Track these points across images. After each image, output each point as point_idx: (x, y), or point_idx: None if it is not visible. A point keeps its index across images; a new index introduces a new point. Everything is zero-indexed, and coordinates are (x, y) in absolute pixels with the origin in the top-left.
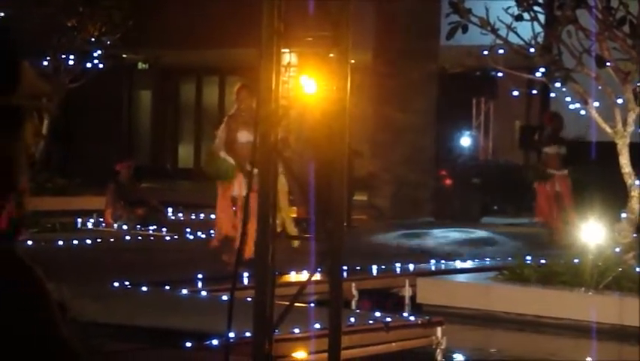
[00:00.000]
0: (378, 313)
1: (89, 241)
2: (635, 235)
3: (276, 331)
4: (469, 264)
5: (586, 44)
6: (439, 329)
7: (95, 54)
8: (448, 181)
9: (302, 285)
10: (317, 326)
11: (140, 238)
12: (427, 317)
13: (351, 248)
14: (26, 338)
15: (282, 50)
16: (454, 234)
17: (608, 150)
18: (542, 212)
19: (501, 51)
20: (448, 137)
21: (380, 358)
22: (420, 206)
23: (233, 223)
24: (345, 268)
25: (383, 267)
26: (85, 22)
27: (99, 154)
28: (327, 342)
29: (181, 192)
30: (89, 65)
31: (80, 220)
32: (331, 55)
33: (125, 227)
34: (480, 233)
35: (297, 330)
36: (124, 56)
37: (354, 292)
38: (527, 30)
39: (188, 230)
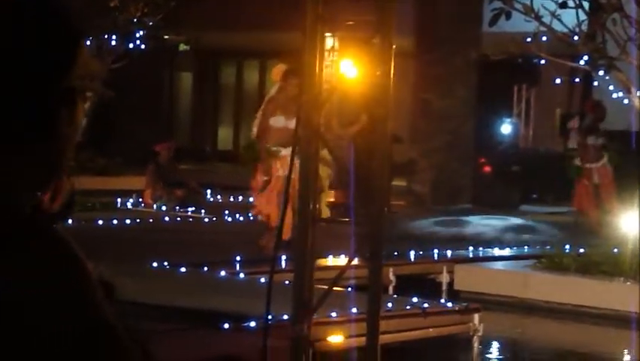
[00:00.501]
0: (415, 299)
1: (128, 221)
2: None
3: (315, 315)
4: (507, 251)
5: (630, 32)
6: (476, 316)
7: (137, 35)
8: (488, 168)
9: (341, 269)
10: (354, 310)
11: (178, 219)
12: (465, 304)
13: (389, 234)
14: (75, 336)
15: (325, 35)
16: (492, 221)
17: None
18: (580, 203)
19: (544, 38)
20: (488, 124)
21: (417, 344)
22: (459, 193)
23: (267, 199)
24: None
25: (421, 253)
26: (127, 3)
27: (140, 135)
28: (364, 327)
29: (220, 175)
30: (130, 45)
31: (119, 200)
32: (374, 40)
33: (164, 208)
34: (518, 221)
35: (334, 314)
36: (166, 37)
37: (392, 277)
38: (571, 17)
39: (226, 212)
